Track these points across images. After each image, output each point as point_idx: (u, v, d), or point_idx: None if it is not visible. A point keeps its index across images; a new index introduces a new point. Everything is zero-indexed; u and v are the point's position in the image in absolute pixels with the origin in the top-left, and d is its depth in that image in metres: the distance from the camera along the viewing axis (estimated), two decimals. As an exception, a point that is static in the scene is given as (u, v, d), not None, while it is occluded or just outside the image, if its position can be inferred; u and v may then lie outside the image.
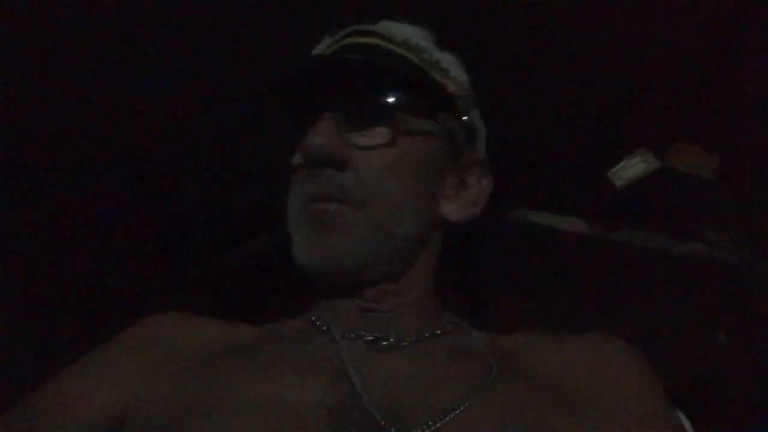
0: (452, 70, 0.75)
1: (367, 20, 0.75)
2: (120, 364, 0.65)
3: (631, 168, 1.64)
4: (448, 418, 0.57)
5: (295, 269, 0.67)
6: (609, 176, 1.62)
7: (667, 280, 1.37)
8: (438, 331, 0.68)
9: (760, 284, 1.27)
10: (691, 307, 1.32)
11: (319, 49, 0.74)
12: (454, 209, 0.72)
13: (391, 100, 0.68)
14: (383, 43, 0.71)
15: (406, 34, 0.73)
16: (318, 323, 0.68)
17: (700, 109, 1.53)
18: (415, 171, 0.68)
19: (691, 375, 1.29)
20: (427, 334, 0.67)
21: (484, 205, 0.73)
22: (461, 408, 0.58)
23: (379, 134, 0.66)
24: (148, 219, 1.52)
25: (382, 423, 0.56)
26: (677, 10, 1.37)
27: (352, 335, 0.66)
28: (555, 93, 1.48)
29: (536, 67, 1.41)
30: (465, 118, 0.74)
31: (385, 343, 0.65)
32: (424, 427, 0.56)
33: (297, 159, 0.68)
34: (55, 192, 1.43)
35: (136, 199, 1.50)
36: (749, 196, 1.41)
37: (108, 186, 1.47)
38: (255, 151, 1.18)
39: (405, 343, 0.66)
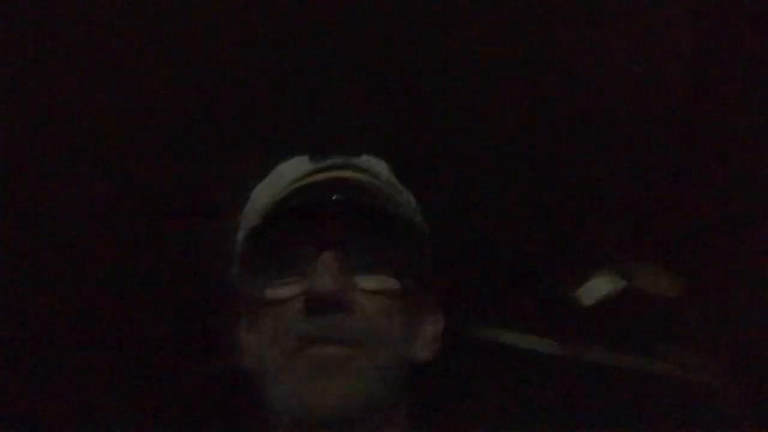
0: (414, 202, 0.76)
1: (346, 151, 0.75)
2: None
3: (599, 288, 1.66)
4: None
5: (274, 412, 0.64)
6: (577, 296, 1.63)
7: (639, 399, 1.35)
8: None
9: (731, 404, 1.26)
10: (662, 427, 1.30)
11: (301, 175, 0.73)
12: (420, 349, 0.71)
13: (389, 241, 0.68)
14: (371, 180, 0.71)
15: (385, 172, 0.74)
16: None
17: (664, 231, 1.57)
18: (406, 313, 0.67)
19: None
20: None
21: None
22: None
23: (385, 278, 0.65)
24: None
25: None
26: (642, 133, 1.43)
27: None
28: (523, 216, 1.51)
29: (501, 192, 1.44)
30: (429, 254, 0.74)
31: None
32: None
33: (285, 296, 0.65)
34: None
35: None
36: (715, 314, 1.42)
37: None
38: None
39: None
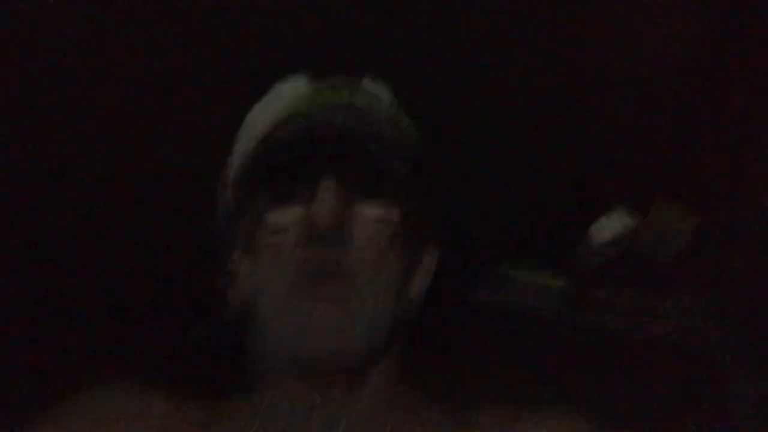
0: (416, 135, 0.74)
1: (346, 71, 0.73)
2: None
3: (609, 227, 1.62)
4: None
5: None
6: (589, 234, 1.60)
7: (637, 361, 1.36)
8: (396, 414, 0.66)
9: (731, 368, 1.25)
10: (661, 389, 1.30)
11: (300, 98, 0.70)
12: (414, 284, 0.71)
13: (390, 169, 0.67)
14: (373, 105, 0.69)
15: (387, 98, 0.72)
16: (267, 405, 0.66)
17: (679, 167, 1.52)
18: (405, 244, 0.67)
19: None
20: (385, 420, 0.65)
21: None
22: None
23: (385, 207, 0.65)
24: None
25: None
26: (657, 64, 1.37)
27: (304, 418, 0.63)
28: (531, 150, 1.47)
29: (510, 124, 1.41)
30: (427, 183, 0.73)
31: (339, 429, 0.63)
32: None
33: (283, 225, 0.65)
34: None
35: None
36: (720, 270, 1.40)
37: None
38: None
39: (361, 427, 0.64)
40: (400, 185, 0.67)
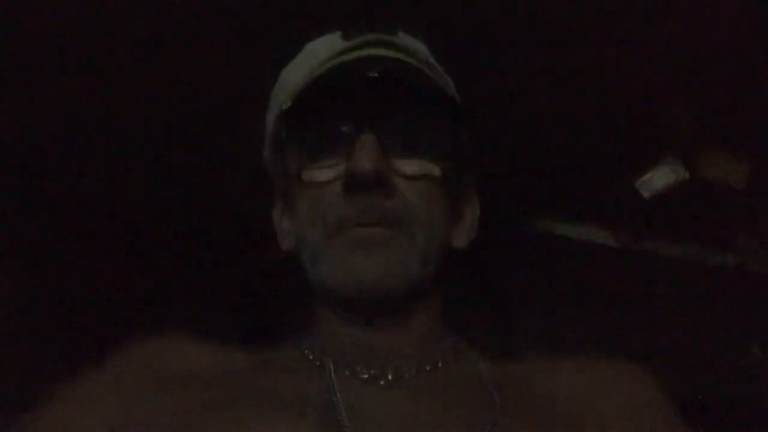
0: (453, 87, 0.72)
1: (380, 28, 0.71)
2: (113, 385, 0.62)
3: (659, 179, 1.60)
4: None
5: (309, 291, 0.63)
6: (636, 187, 1.58)
7: (699, 292, 1.32)
8: (440, 363, 0.64)
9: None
10: (724, 319, 1.27)
11: (334, 54, 0.70)
12: (458, 235, 0.69)
13: (426, 122, 0.65)
14: (411, 60, 0.68)
15: (424, 52, 0.70)
16: (311, 357, 0.65)
17: (731, 115, 1.49)
18: (445, 198, 0.65)
19: (723, 391, 1.24)
20: (428, 368, 0.63)
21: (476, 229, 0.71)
22: None
23: (425, 162, 0.63)
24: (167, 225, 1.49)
25: None
26: (706, 15, 1.34)
27: (347, 372, 0.61)
28: (583, 101, 1.45)
29: (565, 74, 1.39)
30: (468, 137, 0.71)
31: (381, 381, 0.61)
32: None
33: (323, 177, 0.63)
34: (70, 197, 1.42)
35: (155, 204, 1.48)
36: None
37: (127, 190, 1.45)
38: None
39: (404, 379, 0.62)
40: (441, 139, 0.65)
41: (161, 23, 1.20)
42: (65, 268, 1.42)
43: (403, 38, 0.70)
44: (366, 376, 0.60)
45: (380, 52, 0.67)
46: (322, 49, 0.70)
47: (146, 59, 1.26)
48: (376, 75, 0.62)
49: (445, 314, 0.68)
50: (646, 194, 1.58)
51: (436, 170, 0.63)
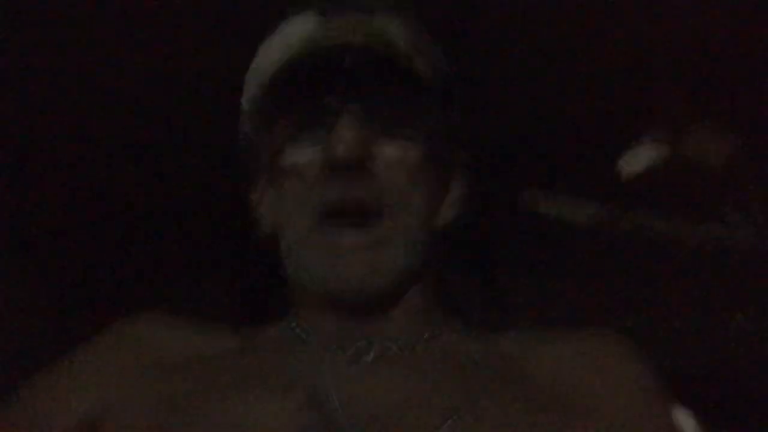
0: (443, 63, 0.72)
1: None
2: (96, 369, 0.62)
3: (643, 154, 1.61)
4: None
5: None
6: (619, 165, 1.59)
7: (685, 264, 1.34)
8: (427, 342, 0.65)
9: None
10: (710, 289, 1.29)
11: (311, 31, 0.68)
12: (443, 213, 0.70)
13: (411, 101, 0.65)
14: (397, 33, 0.67)
15: (407, 28, 0.70)
16: (299, 333, 0.65)
17: (716, 89, 1.50)
18: (429, 178, 0.66)
19: (708, 361, 1.26)
20: (414, 346, 0.64)
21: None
22: (448, 423, 0.55)
23: (409, 142, 0.63)
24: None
25: None
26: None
27: (334, 347, 0.62)
28: (564, 74, 1.45)
29: (545, 46, 1.39)
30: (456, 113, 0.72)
31: (369, 356, 0.62)
32: None
33: (303, 159, 0.63)
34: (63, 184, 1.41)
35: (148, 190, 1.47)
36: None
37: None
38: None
39: (391, 354, 0.62)
40: (425, 119, 0.65)
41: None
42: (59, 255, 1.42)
43: (381, 15, 0.69)
44: (353, 352, 0.60)
45: (360, 31, 0.66)
46: (300, 26, 0.68)
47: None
48: (360, 49, 0.62)
49: (436, 292, 0.69)
50: (630, 169, 1.60)
51: (419, 150, 0.63)
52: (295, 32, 0.68)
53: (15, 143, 1.32)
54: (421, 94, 0.65)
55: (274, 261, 0.70)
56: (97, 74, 1.29)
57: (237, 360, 0.63)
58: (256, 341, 0.68)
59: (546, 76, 1.46)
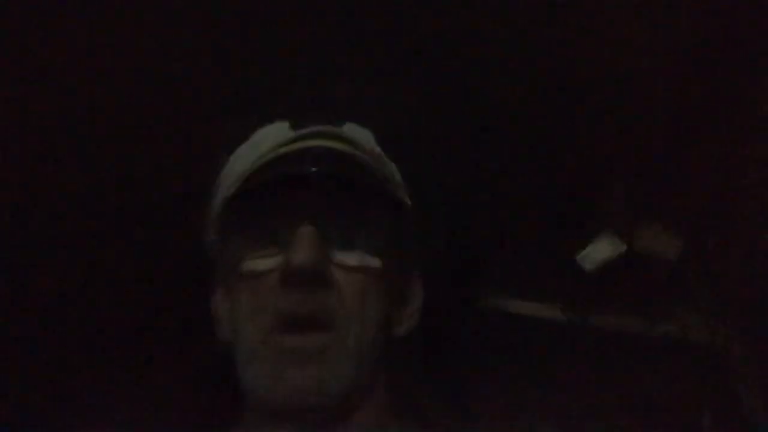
0: (398, 176, 0.74)
1: (326, 118, 0.73)
2: None
3: (599, 251, 1.65)
4: None
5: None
6: (578, 260, 1.62)
7: (645, 364, 1.35)
8: None
9: (736, 364, 1.26)
10: (672, 391, 1.30)
11: (280, 143, 0.70)
12: (400, 325, 0.70)
13: (370, 216, 0.66)
14: (354, 152, 0.69)
15: (370, 143, 0.72)
16: None
17: (663, 192, 1.56)
18: (386, 292, 0.66)
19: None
20: None
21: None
22: None
23: (365, 255, 0.64)
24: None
25: None
26: (639, 90, 1.41)
27: None
28: (520, 178, 1.50)
29: (502, 152, 1.43)
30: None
31: None
32: None
33: (261, 268, 0.63)
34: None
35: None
36: (716, 274, 1.42)
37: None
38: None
39: None
40: (383, 232, 0.67)
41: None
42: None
43: (350, 129, 0.72)
44: None
45: (327, 143, 0.68)
46: (270, 137, 0.71)
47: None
48: (315, 170, 0.63)
49: (395, 398, 0.68)
50: (588, 267, 1.63)
51: (376, 263, 0.64)
52: (265, 143, 0.70)
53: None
54: (377, 209, 0.66)
55: (228, 369, 0.69)
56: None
57: None
58: None
59: (499, 176, 1.50)
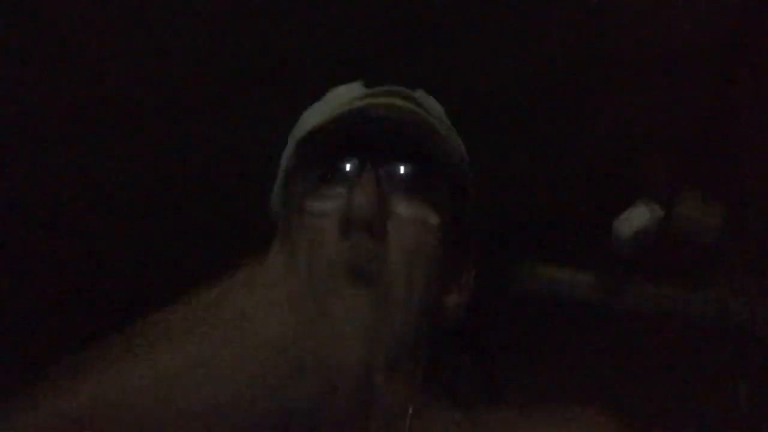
0: (464, 152, 0.74)
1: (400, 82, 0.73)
2: None
3: (636, 218, 1.62)
4: None
5: None
6: (614, 227, 1.60)
7: (681, 341, 1.34)
8: (411, 413, 0.64)
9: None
10: (708, 368, 1.29)
11: (353, 99, 0.70)
12: (451, 300, 0.69)
13: (434, 175, 0.66)
14: (425, 114, 0.69)
15: (439, 110, 0.72)
16: None
17: (706, 158, 1.52)
18: (442, 250, 0.66)
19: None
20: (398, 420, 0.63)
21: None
22: None
23: (424, 208, 0.64)
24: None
25: None
26: (678, 62, 1.38)
27: None
28: (556, 145, 1.47)
29: (537, 120, 1.41)
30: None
31: None
32: None
33: (322, 208, 0.64)
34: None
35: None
36: (758, 248, 1.39)
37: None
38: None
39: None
40: (444, 192, 0.66)
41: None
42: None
43: (423, 96, 0.71)
44: None
45: (397, 101, 0.68)
46: (344, 94, 0.71)
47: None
48: (391, 119, 0.64)
49: (426, 369, 0.68)
50: (624, 234, 1.60)
51: (434, 218, 0.64)
52: (337, 99, 0.70)
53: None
54: (437, 172, 0.67)
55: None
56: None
57: None
58: None
59: (536, 149, 1.48)
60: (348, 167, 0.64)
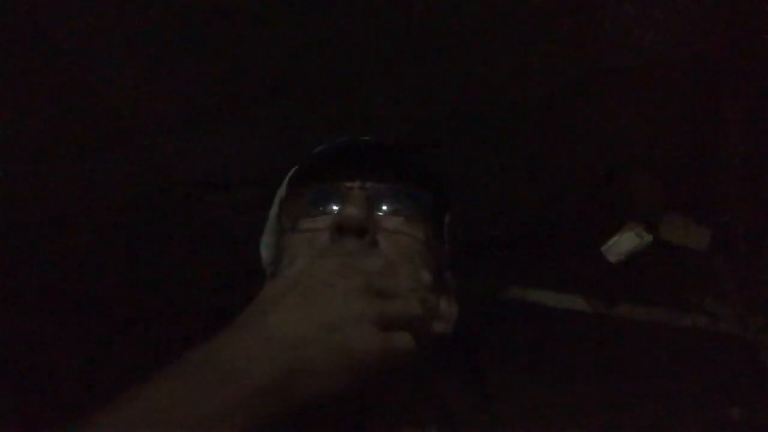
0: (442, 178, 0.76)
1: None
2: None
3: (624, 243, 1.63)
4: None
5: None
6: (603, 252, 1.61)
7: (672, 355, 1.34)
8: None
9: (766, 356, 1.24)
10: (700, 383, 1.28)
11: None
12: (439, 323, 0.69)
13: (418, 194, 0.69)
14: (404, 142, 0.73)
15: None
16: None
17: (690, 182, 1.54)
18: (425, 264, 0.67)
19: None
20: None
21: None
22: None
23: (409, 222, 0.66)
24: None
25: None
26: (664, 87, 1.40)
27: None
28: (547, 170, 1.49)
29: (527, 145, 1.42)
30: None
31: None
32: None
33: (315, 225, 0.66)
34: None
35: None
36: (746, 265, 1.40)
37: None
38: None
39: None
40: (428, 210, 0.69)
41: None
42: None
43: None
44: None
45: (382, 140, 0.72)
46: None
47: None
48: (375, 141, 0.69)
49: (424, 392, 0.67)
50: (612, 259, 1.61)
51: (419, 232, 0.65)
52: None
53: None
54: (422, 192, 0.69)
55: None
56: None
57: None
58: None
59: (526, 169, 1.49)
60: (338, 188, 0.68)
